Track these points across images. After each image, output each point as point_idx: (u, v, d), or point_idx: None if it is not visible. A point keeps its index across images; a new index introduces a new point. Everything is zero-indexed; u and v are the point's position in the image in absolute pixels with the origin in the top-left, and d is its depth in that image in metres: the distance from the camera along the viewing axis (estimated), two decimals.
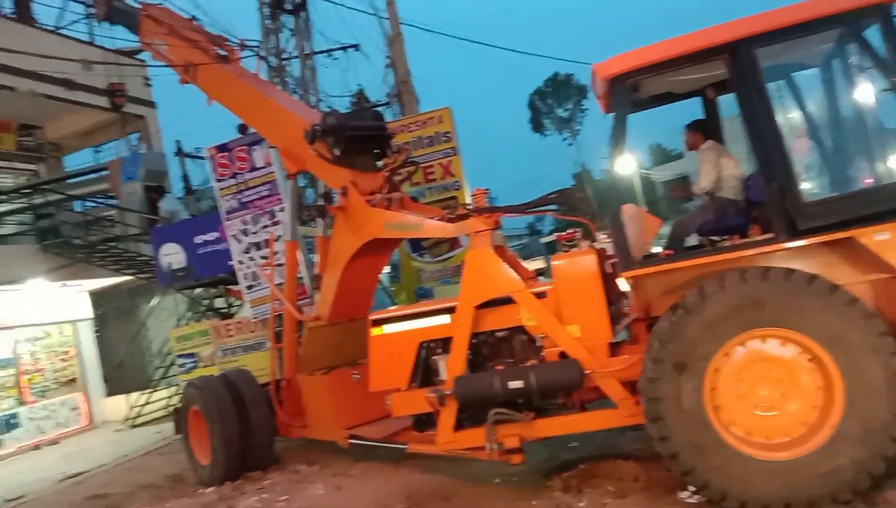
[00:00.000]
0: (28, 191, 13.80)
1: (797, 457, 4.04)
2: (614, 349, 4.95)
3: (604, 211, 4.75)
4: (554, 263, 5.08)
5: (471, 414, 5.13)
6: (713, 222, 5.02)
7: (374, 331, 5.54)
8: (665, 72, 4.58)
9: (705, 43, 4.41)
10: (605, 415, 4.90)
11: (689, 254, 4.78)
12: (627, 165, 5.66)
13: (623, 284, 5.03)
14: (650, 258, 4.76)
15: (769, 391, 4.17)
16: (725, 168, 5.09)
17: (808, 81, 5.13)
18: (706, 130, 5.40)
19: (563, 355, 4.92)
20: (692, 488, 4.28)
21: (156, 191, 13.46)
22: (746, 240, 4.56)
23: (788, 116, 5.04)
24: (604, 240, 5.12)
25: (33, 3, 15.39)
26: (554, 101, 55.37)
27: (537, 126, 57.07)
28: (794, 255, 4.30)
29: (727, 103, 5.12)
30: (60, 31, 15.64)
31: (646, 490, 4.66)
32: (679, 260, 4.60)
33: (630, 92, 4.66)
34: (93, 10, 12.43)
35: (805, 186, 4.66)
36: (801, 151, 5.02)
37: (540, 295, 5.00)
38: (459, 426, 5.13)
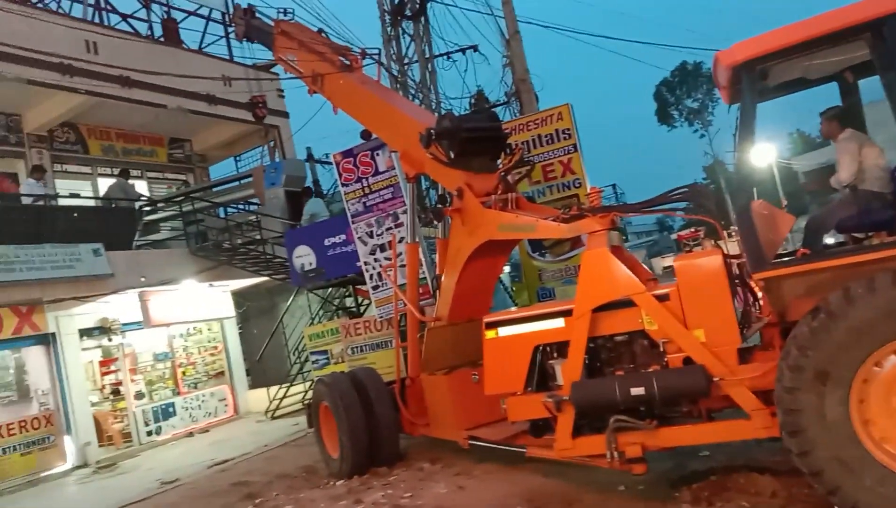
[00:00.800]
0: (180, 199, 15.06)
1: None
2: (744, 355, 4.62)
3: (732, 208, 4.43)
4: (676, 263, 4.83)
5: (589, 421, 4.99)
6: (855, 217, 4.54)
7: (489, 334, 5.52)
8: (797, 57, 4.19)
9: (844, 22, 3.98)
10: (736, 426, 4.57)
11: (830, 253, 4.36)
12: (758, 159, 5.26)
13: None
14: (784, 258, 4.40)
15: None
16: (868, 158, 4.59)
17: None
18: (845, 117, 4.90)
19: (687, 360, 4.66)
20: None
21: (304, 193, 14.10)
22: None
23: None
24: (731, 239, 4.79)
25: (180, 28, 16.73)
26: (682, 91, 52.73)
27: (665, 118, 54.62)
28: None
29: (868, 87, 4.63)
30: (203, 51, 16.94)
31: (784, 507, 4.33)
32: (819, 260, 4.22)
33: (758, 80, 4.31)
34: (233, 30, 13.40)
35: None
36: None
37: (662, 297, 4.76)
38: (578, 432, 5.00)
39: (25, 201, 12.49)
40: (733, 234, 4.66)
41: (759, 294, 4.78)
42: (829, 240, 4.81)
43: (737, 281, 4.79)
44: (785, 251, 4.99)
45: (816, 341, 3.92)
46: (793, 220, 5.51)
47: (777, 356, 4.20)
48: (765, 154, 23.04)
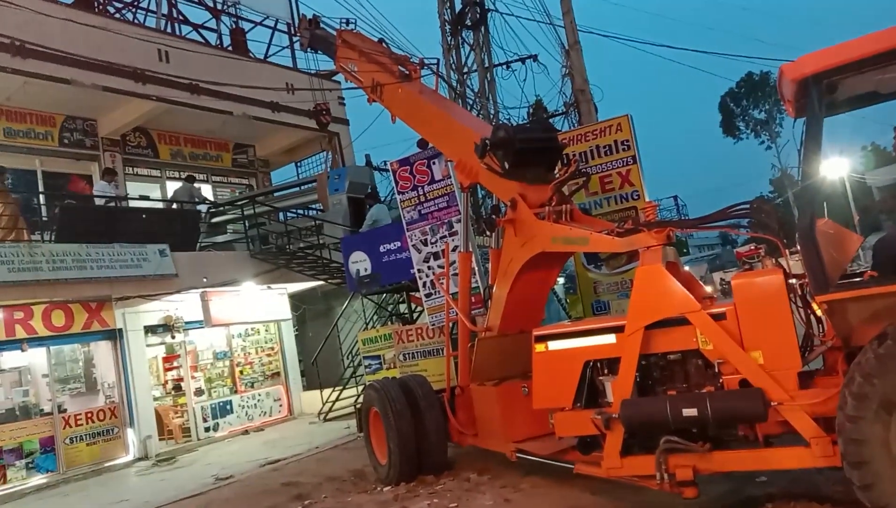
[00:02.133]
0: (244, 202, 15.51)
1: None
2: (805, 379, 4.44)
3: (796, 226, 4.27)
4: (734, 282, 4.68)
5: (639, 440, 4.87)
6: None
7: (539, 347, 5.46)
8: (867, 70, 4.01)
9: None
10: (795, 453, 4.36)
11: None
12: (826, 175, 5.06)
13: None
14: (850, 280, 4.21)
15: None
16: None
17: None
18: None
19: (744, 382, 4.51)
20: None
21: (369, 196, 14.25)
22: None
23: None
24: (793, 258, 4.61)
25: (247, 39, 17.26)
26: (749, 102, 51.13)
27: (730, 129, 53.05)
28: None
29: None
30: (268, 60, 17.43)
31: None
32: (887, 283, 4.01)
33: (825, 94, 4.15)
34: (297, 40, 13.75)
35: None
36: None
37: (718, 317, 4.60)
38: (627, 451, 4.88)
39: (98, 201, 13.09)
40: (796, 252, 4.49)
41: (823, 316, 4.58)
42: None
43: (799, 302, 4.60)
44: (852, 272, 4.78)
45: (883, 368, 3.74)
46: (861, 240, 5.27)
47: (840, 382, 4.01)
48: (834, 169, 22.08)
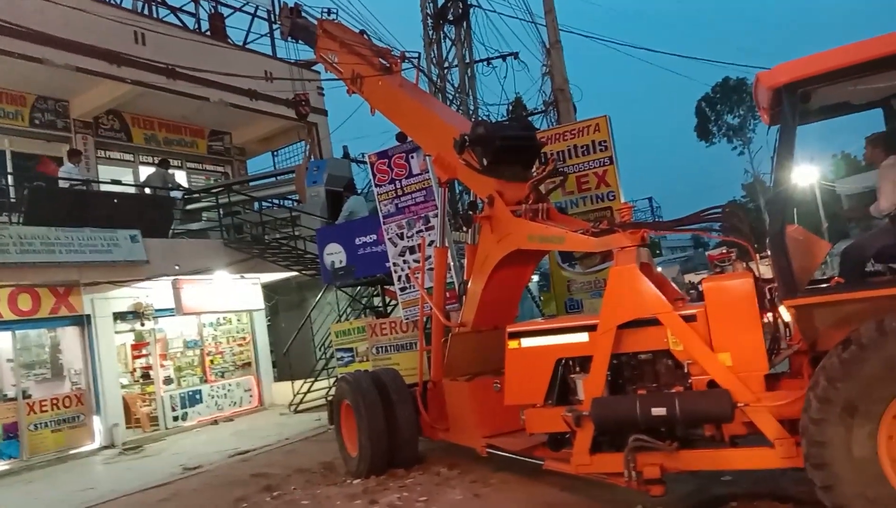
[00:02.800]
0: (218, 190, 15.31)
1: None
2: (772, 382, 4.53)
3: (766, 232, 4.35)
4: (705, 284, 4.76)
5: (609, 438, 4.94)
6: (894, 247, 4.43)
7: (512, 344, 5.50)
8: (841, 81, 4.11)
9: (891, 49, 3.89)
10: (759, 454, 4.47)
11: (865, 284, 4.26)
12: (797, 181, 5.16)
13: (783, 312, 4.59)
14: (817, 286, 4.31)
15: None
16: None
17: None
18: (889, 143, 4.75)
19: (712, 383, 4.59)
20: None
21: (346, 188, 14.07)
22: None
23: None
24: (763, 263, 4.70)
25: (226, 25, 17.03)
26: (724, 107, 51.75)
27: (704, 133, 53.67)
28: None
29: None
30: (247, 47, 17.22)
31: None
32: (853, 290, 4.12)
33: (799, 103, 4.23)
34: (277, 27, 13.59)
35: None
36: None
37: (689, 318, 4.69)
38: (596, 448, 4.95)
39: (64, 184, 12.81)
40: (766, 257, 4.58)
41: (789, 320, 4.68)
42: (868, 269, 4.67)
43: (767, 306, 4.70)
44: (820, 278, 4.88)
45: (847, 373, 3.84)
46: (829, 247, 5.38)
47: (805, 385, 4.11)
48: (805, 176, 22.46)
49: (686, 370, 4.76)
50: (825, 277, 5.03)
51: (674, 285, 5.56)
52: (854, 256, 4.55)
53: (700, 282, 4.88)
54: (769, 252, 4.28)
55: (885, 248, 4.49)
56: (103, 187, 14.03)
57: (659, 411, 4.57)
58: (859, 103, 4.81)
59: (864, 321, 3.85)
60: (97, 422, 11.88)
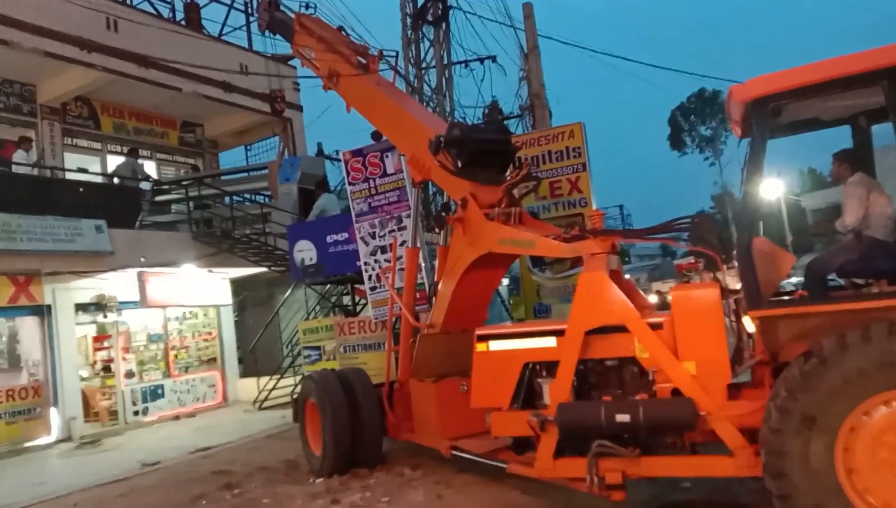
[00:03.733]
0: (188, 183, 15.07)
1: None
2: (733, 391, 4.59)
3: (734, 243, 4.42)
4: (672, 293, 4.80)
5: (572, 443, 4.96)
6: (857, 263, 4.49)
7: (480, 347, 5.49)
8: (811, 97, 4.19)
9: (861, 67, 3.97)
10: (719, 462, 4.53)
11: (827, 298, 4.34)
12: (765, 195, 5.25)
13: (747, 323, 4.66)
14: (781, 298, 4.38)
15: None
16: (875, 205, 4.51)
17: None
18: (855, 161, 4.84)
19: (676, 392, 4.64)
20: None
21: (319, 186, 13.85)
22: None
23: None
24: (729, 274, 4.77)
25: (201, 16, 16.79)
26: (697, 118, 52.63)
27: (677, 143, 54.48)
28: None
29: (881, 134, 4.61)
30: (223, 39, 16.99)
31: None
32: (815, 303, 4.20)
33: (770, 117, 4.29)
34: (254, 20, 13.43)
35: None
36: None
37: (655, 326, 4.73)
38: (560, 453, 4.96)
39: (17, 169, 12.46)
40: (733, 268, 4.64)
41: (753, 331, 4.75)
42: (831, 284, 4.77)
43: (732, 316, 4.76)
44: (784, 291, 4.96)
45: (806, 385, 3.90)
46: (793, 260, 5.48)
47: (766, 396, 4.17)
48: (773, 190, 22.96)
49: (651, 378, 4.81)
50: (789, 290, 5.11)
51: (641, 292, 5.61)
52: (818, 270, 4.63)
53: (668, 291, 4.93)
54: (736, 263, 4.33)
55: (848, 263, 4.56)
56: (68, 176, 13.70)
57: (623, 417, 4.60)
58: (828, 119, 4.90)
59: (825, 335, 3.92)
60: (54, 415, 11.59)
